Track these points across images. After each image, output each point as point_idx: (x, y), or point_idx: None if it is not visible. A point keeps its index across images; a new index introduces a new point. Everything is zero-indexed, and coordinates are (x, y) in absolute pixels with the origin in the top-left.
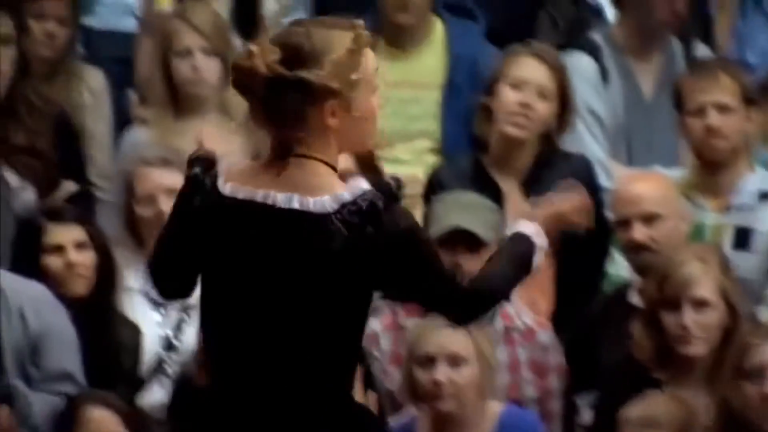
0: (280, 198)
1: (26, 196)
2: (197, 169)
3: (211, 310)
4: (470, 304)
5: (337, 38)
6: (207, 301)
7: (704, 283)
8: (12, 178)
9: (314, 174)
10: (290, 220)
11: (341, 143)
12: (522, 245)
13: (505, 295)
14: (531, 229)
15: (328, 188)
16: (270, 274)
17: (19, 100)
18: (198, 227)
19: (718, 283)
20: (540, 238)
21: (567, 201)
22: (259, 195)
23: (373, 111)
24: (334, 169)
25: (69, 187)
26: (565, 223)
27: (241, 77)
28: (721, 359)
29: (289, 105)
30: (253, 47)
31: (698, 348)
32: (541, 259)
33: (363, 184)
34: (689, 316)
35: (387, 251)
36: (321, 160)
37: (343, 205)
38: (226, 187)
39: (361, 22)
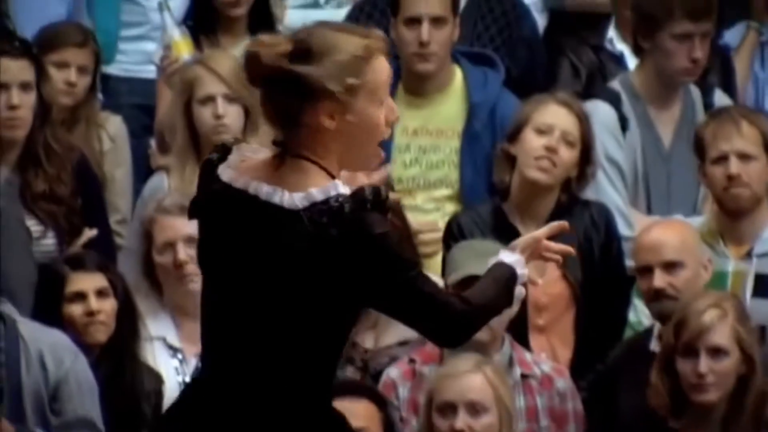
0: (264, 190)
1: (47, 242)
2: (214, 155)
3: (202, 298)
4: (452, 327)
5: (346, 42)
6: (202, 288)
7: (721, 331)
8: (33, 225)
9: (304, 173)
10: (267, 213)
11: (342, 152)
12: (504, 274)
13: (485, 323)
14: (513, 258)
15: (311, 187)
16: (245, 265)
17: (40, 147)
18: (200, 211)
19: (734, 331)
20: (521, 268)
21: (547, 233)
22: (251, 186)
23: (376, 123)
24: (331, 175)
25: (90, 233)
26: (544, 254)
27: (248, 65)
28: (737, 408)
29: (285, 99)
30: (264, 36)
31: (713, 395)
32: (521, 290)
33: (340, 188)
34: (705, 364)
35: (351, 255)
36: (317, 163)
37: (314, 204)
38: (225, 175)
39: (381, 33)
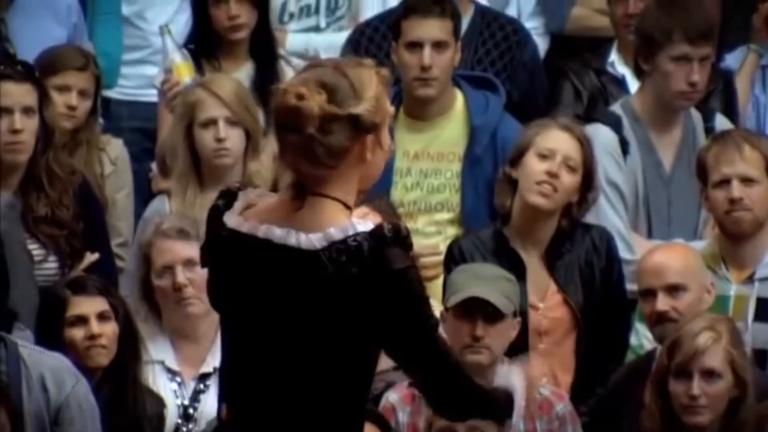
0: (277, 234)
1: (49, 266)
2: (220, 201)
3: (222, 344)
4: (454, 393)
5: (368, 75)
6: (221, 334)
7: (714, 354)
8: (35, 249)
9: (323, 212)
10: (282, 256)
11: (364, 178)
12: (505, 402)
13: (475, 409)
14: (518, 400)
15: (329, 226)
16: (263, 309)
17: (42, 171)
18: (210, 258)
19: (727, 354)
20: (517, 413)
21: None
22: (261, 230)
23: (388, 149)
24: (348, 206)
25: (92, 257)
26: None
27: (290, 118)
28: (728, 430)
29: (337, 141)
30: (300, 88)
31: (705, 418)
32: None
33: (359, 226)
34: (698, 386)
35: (372, 292)
36: (336, 199)
37: (332, 243)
38: (231, 220)
39: (371, 61)
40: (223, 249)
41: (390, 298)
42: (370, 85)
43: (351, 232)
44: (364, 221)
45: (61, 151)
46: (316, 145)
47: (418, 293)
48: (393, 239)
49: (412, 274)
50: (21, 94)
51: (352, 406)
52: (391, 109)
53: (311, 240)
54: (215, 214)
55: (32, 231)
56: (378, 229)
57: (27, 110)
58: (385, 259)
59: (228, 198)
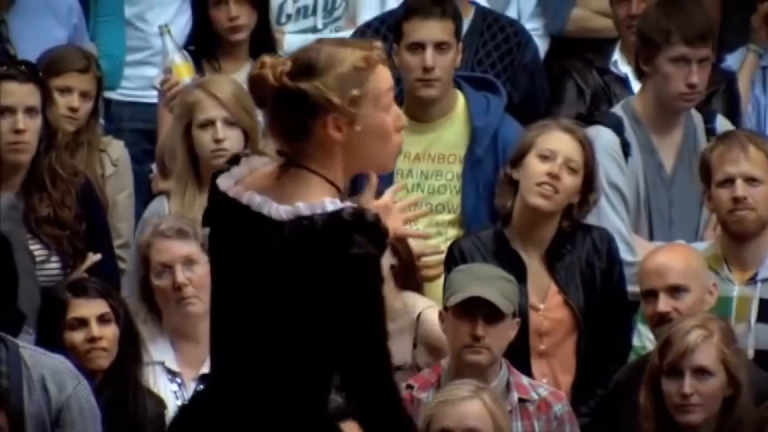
0: (256, 201)
1: (51, 266)
2: (226, 167)
3: (211, 302)
4: (376, 393)
5: (346, 55)
6: (211, 293)
7: (705, 351)
8: (37, 249)
9: (303, 186)
10: (255, 223)
11: (350, 160)
12: None
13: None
14: None
15: (303, 200)
16: (237, 272)
17: (45, 171)
18: (210, 220)
19: (719, 353)
20: None
21: None
22: (245, 196)
23: (384, 130)
24: (333, 184)
25: (94, 258)
26: None
27: (253, 87)
28: (722, 430)
29: (293, 115)
30: (266, 58)
31: (697, 416)
32: None
33: (329, 205)
34: (689, 384)
35: (324, 272)
36: (319, 174)
37: (298, 218)
38: (222, 183)
39: (379, 43)
40: (218, 212)
41: (339, 280)
42: (340, 65)
43: (318, 210)
44: (336, 202)
45: (64, 152)
46: (277, 117)
47: (368, 283)
48: (353, 224)
49: (366, 262)
50: (24, 94)
51: (319, 377)
52: (384, 90)
53: (279, 211)
54: (218, 178)
55: (34, 231)
56: (338, 211)
57: (30, 110)
58: (340, 241)
59: (234, 163)
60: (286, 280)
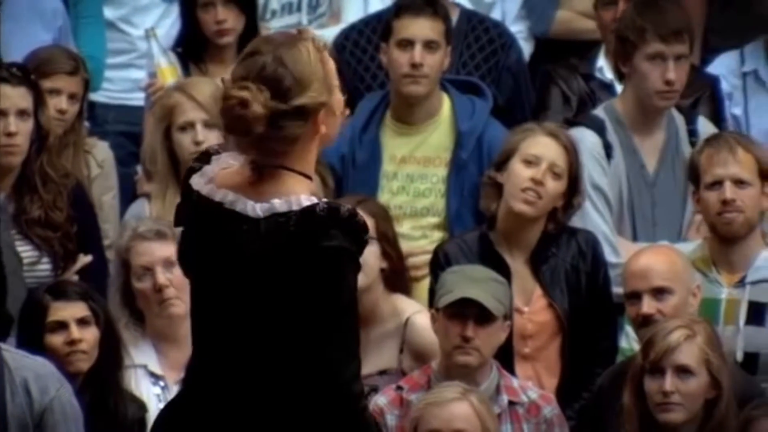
0: (229, 198)
1: (42, 268)
2: (196, 164)
3: (191, 303)
4: (338, 397)
5: (306, 54)
6: (190, 293)
7: (687, 351)
8: (29, 251)
9: (279, 183)
10: (231, 220)
11: (321, 144)
12: None
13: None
14: None
15: (278, 197)
16: (215, 271)
17: (36, 174)
18: (182, 218)
19: (702, 353)
20: None
21: None
22: (219, 194)
23: (342, 104)
24: (307, 176)
25: (85, 259)
26: None
27: (237, 125)
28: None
29: (289, 133)
30: (243, 93)
31: (678, 416)
32: None
33: (304, 201)
34: (670, 382)
35: (297, 266)
36: (295, 171)
37: (273, 214)
38: (195, 182)
39: (304, 27)
40: (191, 210)
41: (312, 273)
42: (311, 67)
43: (294, 207)
44: (311, 198)
45: (55, 154)
46: (269, 141)
47: (339, 276)
48: (327, 218)
49: (338, 255)
50: (16, 97)
51: (304, 371)
52: (334, 70)
53: (255, 208)
54: (190, 176)
55: (26, 233)
56: (313, 206)
57: (22, 113)
58: (312, 235)
59: (203, 160)
60: (263, 277)
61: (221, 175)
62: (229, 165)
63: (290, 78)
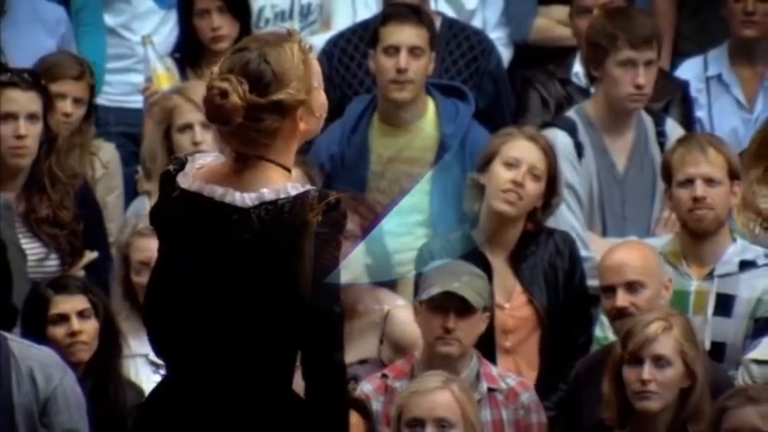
0: (218, 191)
1: (50, 264)
2: (171, 167)
3: (160, 294)
4: (326, 370)
5: (289, 54)
6: (158, 283)
7: (664, 342)
8: (37, 248)
9: (263, 174)
10: (220, 212)
11: (302, 139)
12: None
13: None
14: None
15: (265, 187)
16: (201, 262)
17: (45, 174)
18: (159, 218)
19: (678, 344)
20: None
21: None
22: (206, 189)
23: (325, 103)
24: (287, 169)
25: (91, 255)
26: None
27: (216, 114)
28: (678, 421)
29: (266, 126)
30: (224, 84)
31: (655, 404)
32: None
33: (291, 189)
34: (648, 371)
35: (289, 251)
36: (277, 163)
37: (263, 203)
38: (182, 180)
39: (294, 29)
40: (174, 208)
41: (297, 250)
42: (292, 66)
43: (282, 195)
44: (297, 186)
45: (64, 156)
46: (247, 131)
47: (331, 258)
48: (319, 204)
49: (328, 240)
50: (26, 101)
51: (285, 361)
52: (318, 70)
53: (245, 198)
54: (167, 178)
55: (34, 231)
56: (303, 194)
57: (31, 116)
58: (303, 222)
59: (179, 164)
60: (254, 265)
61: (203, 173)
62: (206, 163)
63: (270, 74)
